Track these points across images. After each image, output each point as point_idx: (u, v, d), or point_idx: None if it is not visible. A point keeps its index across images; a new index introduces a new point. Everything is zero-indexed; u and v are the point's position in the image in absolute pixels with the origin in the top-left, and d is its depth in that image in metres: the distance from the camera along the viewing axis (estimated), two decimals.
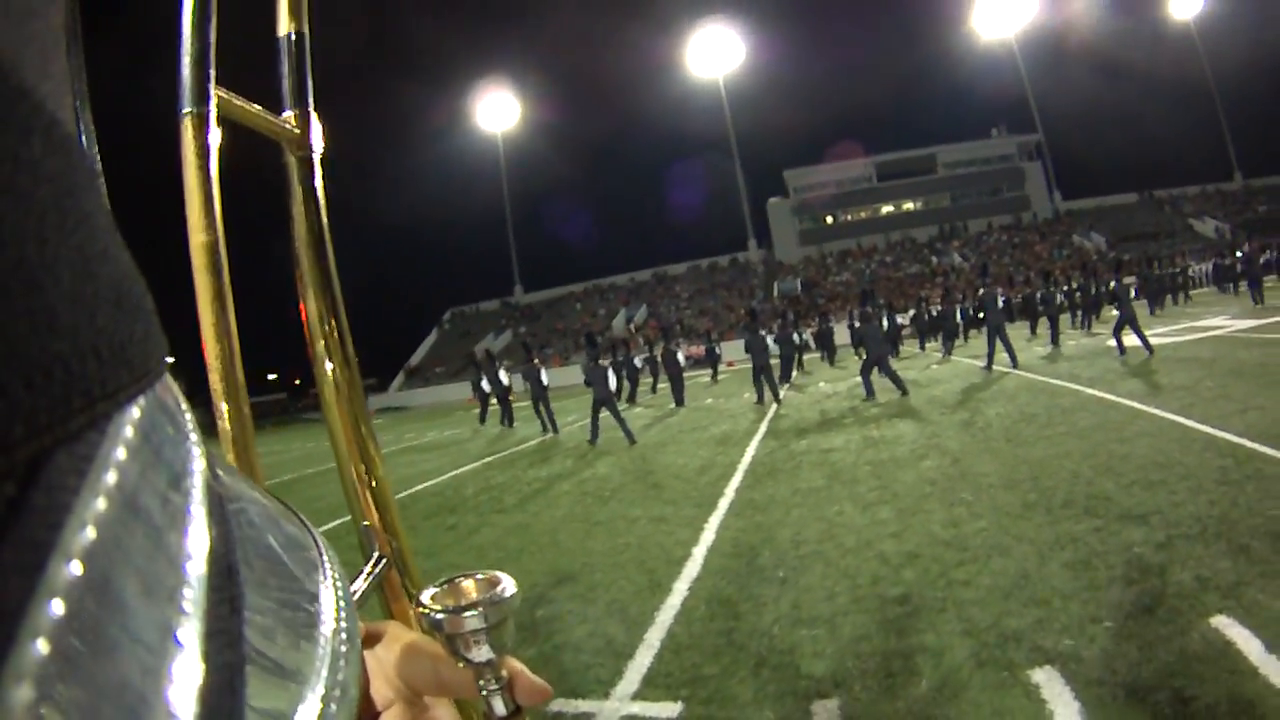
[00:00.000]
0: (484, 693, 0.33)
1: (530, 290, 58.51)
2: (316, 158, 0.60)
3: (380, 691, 0.35)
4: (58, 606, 0.12)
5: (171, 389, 0.19)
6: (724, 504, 5.21)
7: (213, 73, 0.49)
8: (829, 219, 54.04)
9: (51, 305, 0.13)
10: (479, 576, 0.35)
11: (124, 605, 0.13)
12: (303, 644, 0.21)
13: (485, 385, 15.00)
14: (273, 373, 72.11)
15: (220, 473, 0.20)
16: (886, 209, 53.86)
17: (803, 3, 73.04)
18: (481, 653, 0.32)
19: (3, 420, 0.12)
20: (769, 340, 13.38)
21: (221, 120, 0.50)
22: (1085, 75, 59.96)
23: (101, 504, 0.14)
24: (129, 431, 0.15)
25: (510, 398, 14.51)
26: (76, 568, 0.12)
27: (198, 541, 0.16)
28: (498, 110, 60.38)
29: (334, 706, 0.20)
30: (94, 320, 0.14)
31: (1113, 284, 12.33)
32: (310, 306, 0.57)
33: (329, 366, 0.57)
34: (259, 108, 0.55)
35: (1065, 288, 21.84)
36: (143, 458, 0.16)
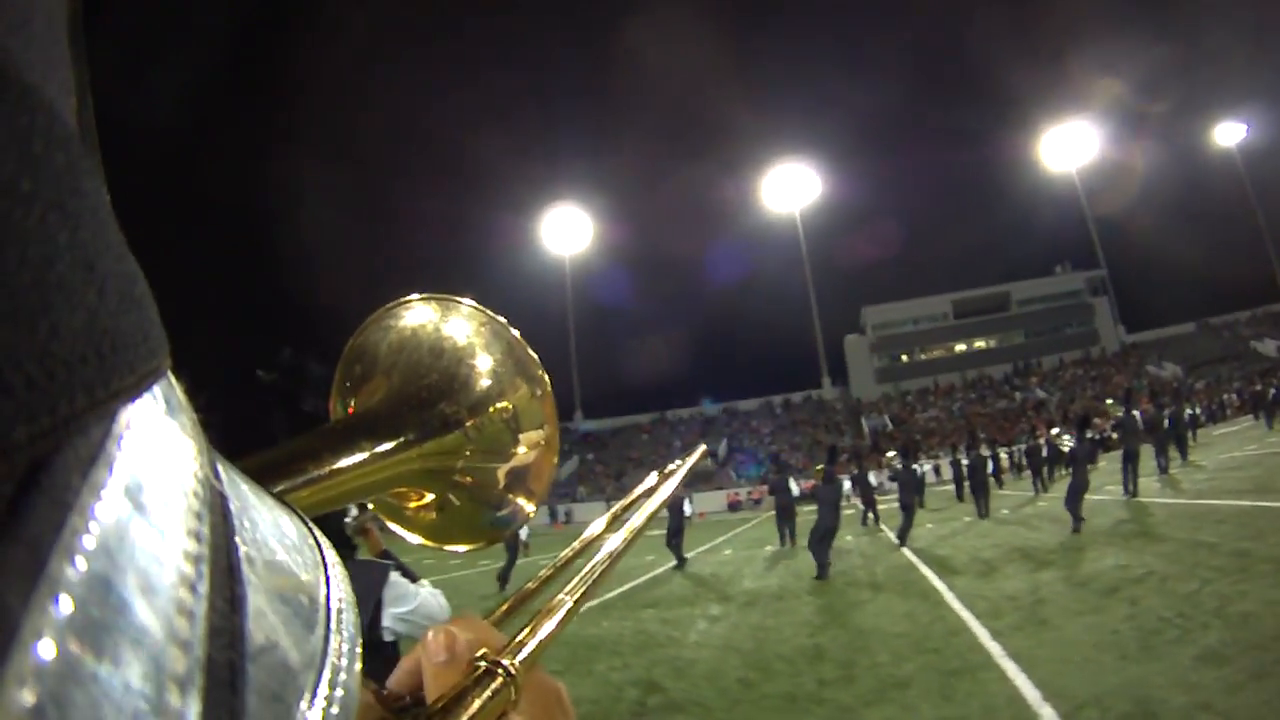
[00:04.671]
0: None
1: (590, 418, 57.92)
2: None
3: None
4: (59, 606, 0.12)
5: (174, 388, 0.19)
6: None
7: None
8: (905, 357, 55.04)
9: (55, 304, 0.13)
10: None
11: (125, 604, 0.13)
12: (304, 643, 0.21)
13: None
14: None
15: (222, 472, 0.20)
16: (960, 347, 54.96)
17: (876, 141, 76.03)
18: None
19: (5, 420, 0.12)
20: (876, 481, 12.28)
21: None
22: (1136, 207, 61.09)
23: (103, 503, 0.14)
24: (132, 430, 0.15)
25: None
26: (79, 566, 0.12)
27: (199, 540, 0.16)
28: (567, 232, 61.10)
29: (335, 708, 0.20)
30: (97, 319, 0.14)
31: (1070, 442, 10.61)
32: None
33: None
34: None
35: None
36: (145, 457, 0.15)
